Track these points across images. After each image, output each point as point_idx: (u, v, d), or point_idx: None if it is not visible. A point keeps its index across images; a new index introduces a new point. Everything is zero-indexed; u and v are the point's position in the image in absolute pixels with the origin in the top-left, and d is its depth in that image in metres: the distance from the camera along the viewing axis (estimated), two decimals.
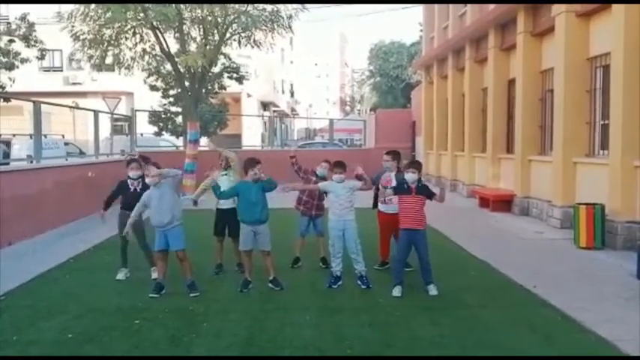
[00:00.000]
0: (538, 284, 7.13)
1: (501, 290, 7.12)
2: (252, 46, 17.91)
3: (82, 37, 16.29)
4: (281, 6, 17.21)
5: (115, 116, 19.85)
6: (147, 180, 6.86)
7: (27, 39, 20.90)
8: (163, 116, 27.32)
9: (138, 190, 7.44)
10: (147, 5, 15.53)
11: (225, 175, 7.78)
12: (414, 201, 6.87)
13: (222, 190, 7.14)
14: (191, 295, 6.74)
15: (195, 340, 5.33)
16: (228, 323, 5.81)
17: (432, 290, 6.82)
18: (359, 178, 7.37)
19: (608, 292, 6.93)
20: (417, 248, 6.94)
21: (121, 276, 7.58)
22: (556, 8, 11.64)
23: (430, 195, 6.98)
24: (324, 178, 7.92)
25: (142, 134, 24.13)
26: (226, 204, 7.77)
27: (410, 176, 6.92)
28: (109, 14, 15.57)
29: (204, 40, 17.12)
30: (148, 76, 25.56)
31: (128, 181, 7.62)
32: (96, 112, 15.76)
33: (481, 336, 5.43)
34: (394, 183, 7.63)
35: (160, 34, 16.46)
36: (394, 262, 7.17)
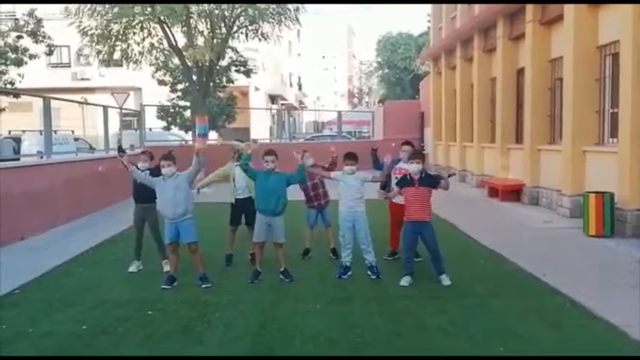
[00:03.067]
0: (547, 272, 7.14)
1: (510, 279, 7.14)
2: (260, 39, 17.96)
3: (89, 33, 16.39)
4: None
5: (123, 111, 19.94)
6: (162, 171, 6.86)
7: (35, 35, 20.99)
8: (172, 111, 27.40)
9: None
10: None
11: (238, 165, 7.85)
12: (417, 192, 6.86)
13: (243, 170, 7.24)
14: (203, 286, 6.81)
15: (207, 330, 5.40)
16: (240, 313, 5.87)
17: (445, 280, 6.81)
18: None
19: (617, 279, 6.94)
20: (423, 239, 6.95)
21: (133, 268, 7.66)
22: None
23: (435, 184, 6.99)
24: (311, 165, 7.99)
25: (150, 129, 24.25)
26: (243, 194, 7.88)
27: (414, 167, 6.93)
28: (116, 9, 15.65)
29: (211, 34, 17.17)
30: (156, 71, 25.64)
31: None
32: (105, 107, 15.86)
33: (490, 324, 5.46)
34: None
35: (167, 29, 16.53)
36: (403, 253, 7.19)
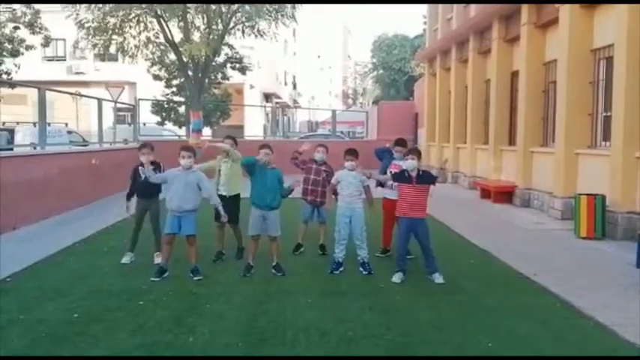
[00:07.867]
0: (538, 272, 7.20)
1: (501, 278, 7.19)
2: (256, 36, 17.95)
3: (86, 25, 16.34)
4: None
5: (118, 105, 19.88)
6: (182, 162, 6.88)
7: (32, 26, 20.92)
8: (166, 106, 27.36)
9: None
10: None
11: (227, 162, 7.85)
12: (413, 190, 6.88)
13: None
14: (194, 278, 6.82)
15: (198, 320, 5.41)
16: (231, 305, 5.89)
17: (438, 279, 6.82)
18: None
19: (607, 280, 7.01)
20: (416, 236, 6.98)
21: (126, 260, 7.65)
22: None
23: (433, 181, 7.02)
24: (324, 163, 8.21)
25: (144, 124, 24.18)
26: (223, 191, 7.84)
27: (409, 163, 6.94)
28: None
29: (207, 30, 17.16)
30: (152, 66, 25.58)
31: (139, 167, 7.58)
32: (99, 100, 15.82)
33: (480, 320, 5.50)
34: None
35: (164, 23, 16.51)
36: (396, 250, 7.21)
